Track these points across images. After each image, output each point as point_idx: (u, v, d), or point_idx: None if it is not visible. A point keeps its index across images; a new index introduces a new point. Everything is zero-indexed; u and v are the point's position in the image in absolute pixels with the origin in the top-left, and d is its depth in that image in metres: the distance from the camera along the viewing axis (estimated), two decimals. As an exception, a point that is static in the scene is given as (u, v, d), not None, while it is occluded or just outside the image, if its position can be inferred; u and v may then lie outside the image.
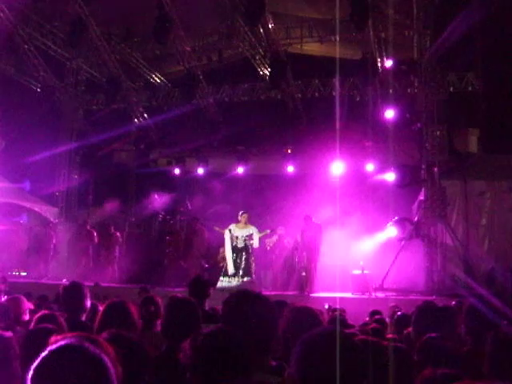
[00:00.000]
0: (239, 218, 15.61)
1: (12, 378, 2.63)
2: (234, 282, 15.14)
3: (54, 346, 1.85)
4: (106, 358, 1.85)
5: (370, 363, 2.25)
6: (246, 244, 15.54)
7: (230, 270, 15.42)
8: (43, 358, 1.82)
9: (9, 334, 2.81)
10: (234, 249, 15.56)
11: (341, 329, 2.37)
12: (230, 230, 15.65)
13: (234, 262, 15.47)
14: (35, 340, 2.99)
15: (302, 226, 15.25)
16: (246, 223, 15.59)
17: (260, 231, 15.73)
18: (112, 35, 19.34)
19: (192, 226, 18.08)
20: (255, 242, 15.59)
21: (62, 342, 1.86)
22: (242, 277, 15.26)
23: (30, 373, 1.80)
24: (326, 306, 9.97)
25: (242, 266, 15.41)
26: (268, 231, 16.15)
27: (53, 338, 1.92)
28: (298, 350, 2.19)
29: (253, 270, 15.51)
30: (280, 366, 3.08)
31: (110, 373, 1.84)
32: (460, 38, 14.37)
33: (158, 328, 6.05)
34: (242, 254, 15.48)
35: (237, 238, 15.59)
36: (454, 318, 4.86)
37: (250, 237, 15.59)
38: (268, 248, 16.76)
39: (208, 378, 2.49)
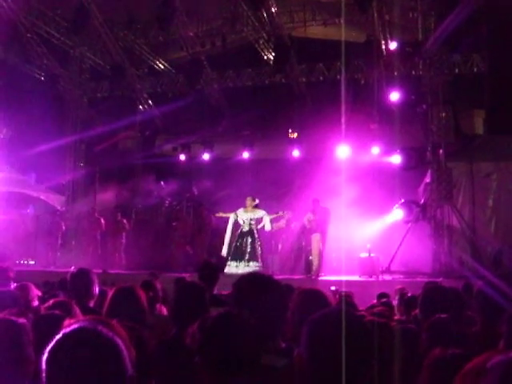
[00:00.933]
0: (246, 202, 15.68)
1: (26, 364, 2.65)
2: (241, 266, 15.15)
3: (67, 329, 1.86)
4: (119, 341, 1.87)
5: (377, 343, 2.26)
6: (251, 228, 15.55)
7: (224, 251, 15.49)
8: (57, 341, 1.83)
9: (22, 320, 2.83)
10: (240, 233, 15.59)
11: (348, 308, 2.37)
12: (236, 214, 15.69)
13: (240, 246, 15.49)
14: (47, 325, 3.01)
15: (310, 209, 15.25)
16: (252, 207, 15.61)
17: (270, 214, 15.74)
18: (115, 22, 19.30)
19: (198, 211, 18.13)
20: (266, 225, 15.60)
21: (76, 326, 1.87)
22: (248, 261, 15.25)
23: (45, 356, 1.82)
24: (333, 288, 9.96)
25: (248, 251, 15.40)
26: (281, 213, 16.15)
27: (66, 322, 1.94)
28: (306, 330, 2.20)
29: (259, 255, 15.47)
30: (289, 348, 3.08)
31: (123, 355, 1.85)
32: (465, 19, 14.27)
33: (158, 311, 6.13)
34: (247, 238, 15.48)
35: (243, 222, 15.62)
36: (460, 299, 4.87)
37: (257, 221, 15.61)
38: (273, 231, 16.76)
39: (217, 362, 2.49)
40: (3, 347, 2.62)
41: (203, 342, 2.55)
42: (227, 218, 16.10)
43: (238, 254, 15.44)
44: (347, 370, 2.03)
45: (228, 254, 15.58)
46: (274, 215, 15.94)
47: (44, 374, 1.81)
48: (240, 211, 15.69)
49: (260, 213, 15.63)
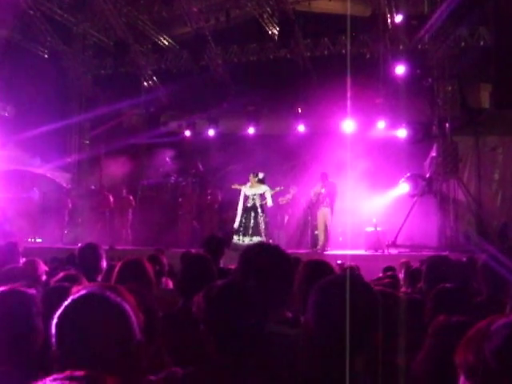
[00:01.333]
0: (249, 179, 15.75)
1: (35, 334, 2.68)
2: (246, 240, 15.22)
3: (76, 295, 1.89)
4: (127, 306, 1.89)
5: (383, 312, 2.27)
6: (254, 203, 15.61)
7: (235, 225, 15.61)
8: (66, 306, 1.86)
9: (32, 290, 2.87)
10: (245, 208, 15.68)
11: (354, 275, 2.39)
12: (245, 188, 15.79)
13: (244, 220, 15.58)
14: (56, 297, 3.04)
15: (318, 182, 15.23)
16: (255, 182, 15.65)
17: (272, 189, 15.79)
18: (118, -2, 19.19)
19: (204, 187, 18.17)
20: (268, 201, 15.66)
21: (84, 291, 1.90)
22: (251, 236, 15.33)
23: (54, 321, 1.85)
24: (339, 262, 10.00)
25: (251, 225, 15.49)
26: (281, 188, 16.21)
27: (74, 289, 1.97)
28: (313, 296, 2.22)
29: (262, 230, 15.53)
30: (296, 318, 3.11)
31: (131, 320, 1.88)
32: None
33: (164, 285, 6.18)
34: (250, 213, 15.57)
35: (247, 197, 15.70)
36: (465, 271, 4.89)
37: (261, 196, 15.66)
38: (281, 204, 16.82)
39: (221, 330, 2.51)
40: (13, 317, 2.65)
41: (208, 311, 2.58)
42: (236, 193, 16.19)
43: (241, 229, 15.54)
44: (352, 336, 2.05)
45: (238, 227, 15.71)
46: (278, 189, 15.99)
47: (54, 339, 1.84)
48: (246, 186, 15.76)
49: (263, 188, 15.67)
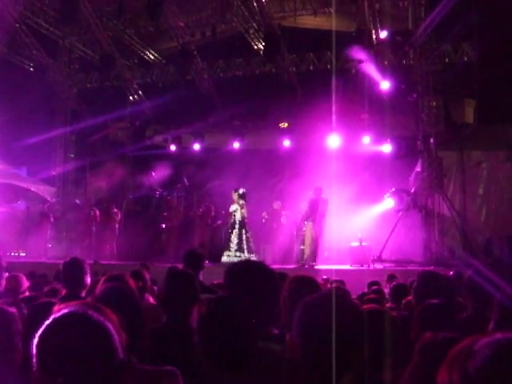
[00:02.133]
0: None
1: (14, 353, 2.65)
2: (231, 257, 15.23)
3: (57, 314, 1.86)
4: (109, 325, 1.87)
5: (368, 328, 2.26)
6: (235, 219, 15.65)
7: (232, 245, 15.58)
8: (47, 326, 1.83)
9: (13, 309, 2.83)
10: (230, 225, 15.72)
11: (340, 292, 2.38)
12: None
13: (229, 237, 15.60)
14: (39, 313, 3.00)
15: (311, 197, 15.19)
16: (237, 198, 15.68)
17: (241, 207, 15.78)
18: (104, 12, 19.18)
19: (189, 201, 18.14)
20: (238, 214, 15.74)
21: (66, 310, 1.87)
22: (236, 251, 15.32)
23: (35, 340, 1.82)
24: (324, 277, 10.00)
25: (236, 242, 15.51)
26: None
27: (56, 307, 1.94)
28: (298, 313, 2.21)
29: (245, 246, 15.58)
30: (282, 335, 3.09)
31: (114, 339, 1.86)
32: (455, 8, 14.26)
33: (147, 301, 6.15)
34: (233, 230, 15.61)
35: (230, 214, 15.75)
36: (453, 286, 4.90)
37: (240, 212, 15.75)
38: (263, 221, 16.84)
39: (216, 345, 2.50)
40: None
41: (201, 326, 2.56)
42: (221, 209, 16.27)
43: (227, 246, 15.55)
44: (338, 353, 2.04)
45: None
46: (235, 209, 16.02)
47: (35, 359, 1.81)
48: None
49: (241, 203, 15.67)
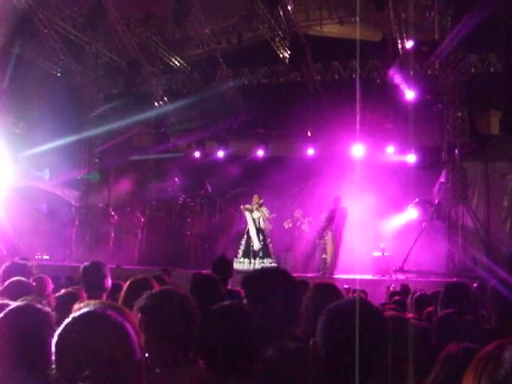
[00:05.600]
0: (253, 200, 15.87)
1: (47, 354, 2.66)
2: (257, 263, 15.26)
3: (77, 313, 1.88)
4: (128, 326, 1.88)
5: (392, 335, 2.27)
6: (260, 226, 15.72)
7: (242, 248, 15.62)
8: (67, 325, 1.85)
9: (47, 309, 2.83)
10: (249, 230, 15.78)
11: (364, 299, 2.39)
12: (251, 211, 15.85)
13: (252, 243, 15.63)
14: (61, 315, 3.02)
15: (330, 206, 15.22)
16: (259, 205, 15.73)
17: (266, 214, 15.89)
18: (131, 19, 19.37)
19: (213, 208, 18.21)
20: (264, 223, 15.86)
21: (85, 309, 1.89)
22: (262, 258, 15.36)
23: (54, 339, 1.84)
24: (346, 286, 9.96)
25: (260, 247, 15.55)
26: (273, 215, 16.34)
27: (76, 306, 1.96)
28: (323, 319, 2.22)
29: (271, 251, 15.65)
30: (306, 335, 3.10)
31: (132, 340, 1.87)
32: (482, 19, 14.19)
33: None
34: (258, 236, 15.64)
35: (254, 220, 15.79)
36: (477, 298, 4.86)
37: (263, 218, 15.83)
38: (286, 227, 16.84)
39: (215, 352, 2.51)
40: (28, 333, 2.62)
41: (202, 332, 2.58)
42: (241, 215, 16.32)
43: (249, 252, 15.56)
44: (362, 360, 2.05)
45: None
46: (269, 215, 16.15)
47: (54, 357, 1.83)
48: (252, 209, 15.85)
49: (265, 210, 15.77)
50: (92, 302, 1.98)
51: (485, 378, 1.44)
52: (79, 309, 1.91)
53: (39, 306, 2.79)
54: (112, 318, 1.87)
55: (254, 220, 15.80)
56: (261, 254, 15.49)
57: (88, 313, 1.89)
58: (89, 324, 1.85)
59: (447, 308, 4.25)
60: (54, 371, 1.83)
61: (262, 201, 15.89)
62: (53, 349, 1.84)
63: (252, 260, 15.42)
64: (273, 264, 15.04)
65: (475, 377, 1.48)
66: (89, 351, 1.79)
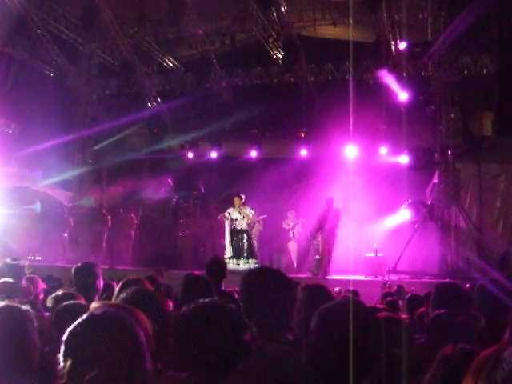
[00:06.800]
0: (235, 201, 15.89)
1: (31, 351, 2.66)
2: (242, 264, 15.25)
3: (93, 312, 1.88)
4: (141, 333, 1.88)
5: (386, 335, 2.27)
6: (242, 226, 15.72)
7: (228, 253, 15.61)
8: (79, 323, 1.85)
9: (25, 307, 2.85)
10: (234, 231, 15.73)
11: (357, 299, 2.39)
12: (228, 214, 15.83)
13: (236, 244, 15.62)
14: (69, 316, 3.02)
15: (323, 207, 15.24)
16: (241, 205, 15.73)
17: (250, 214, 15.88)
18: (124, 19, 19.34)
19: (208, 210, 18.19)
20: (257, 225, 15.86)
21: (100, 310, 1.89)
22: (247, 258, 15.36)
23: (65, 335, 1.84)
24: (337, 289, 9.96)
25: (245, 248, 15.53)
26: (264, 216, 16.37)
27: (93, 304, 1.96)
28: (316, 320, 2.22)
29: (256, 252, 15.67)
30: (298, 340, 3.10)
31: (142, 347, 1.86)
32: (475, 20, 14.23)
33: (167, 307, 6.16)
34: (242, 236, 15.62)
35: (235, 220, 15.75)
36: (470, 298, 4.87)
37: (247, 218, 15.83)
38: (286, 227, 16.85)
39: (192, 352, 2.50)
40: (7, 333, 2.63)
41: (177, 331, 2.56)
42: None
43: (235, 252, 15.56)
44: (355, 360, 2.05)
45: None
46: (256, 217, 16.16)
47: (62, 354, 1.83)
48: (230, 210, 15.84)
49: (248, 211, 15.77)
50: (108, 302, 1.98)
51: (483, 380, 1.44)
52: (96, 308, 1.92)
53: (17, 304, 2.81)
54: (126, 323, 1.87)
55: (234, 220, 15.79)
56: (245, 254, 15.49)
57: (102, 313, 1.89)
58: (101, 324, 1.85)
59: (438, 309, 4.25)
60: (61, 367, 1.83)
61: (243, 201, 15.86)
62: (61, 345, 1.84)
63: (236, 260, 15.43)
64: (256, 265, 15.00)
65: (474, 378, 1.48)
66: (98, 352, 1.79)
